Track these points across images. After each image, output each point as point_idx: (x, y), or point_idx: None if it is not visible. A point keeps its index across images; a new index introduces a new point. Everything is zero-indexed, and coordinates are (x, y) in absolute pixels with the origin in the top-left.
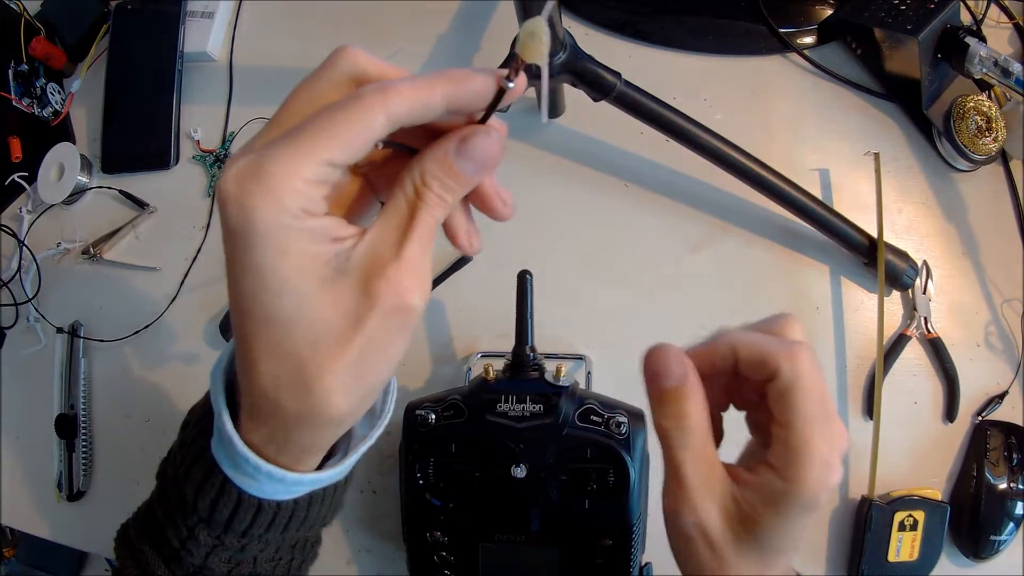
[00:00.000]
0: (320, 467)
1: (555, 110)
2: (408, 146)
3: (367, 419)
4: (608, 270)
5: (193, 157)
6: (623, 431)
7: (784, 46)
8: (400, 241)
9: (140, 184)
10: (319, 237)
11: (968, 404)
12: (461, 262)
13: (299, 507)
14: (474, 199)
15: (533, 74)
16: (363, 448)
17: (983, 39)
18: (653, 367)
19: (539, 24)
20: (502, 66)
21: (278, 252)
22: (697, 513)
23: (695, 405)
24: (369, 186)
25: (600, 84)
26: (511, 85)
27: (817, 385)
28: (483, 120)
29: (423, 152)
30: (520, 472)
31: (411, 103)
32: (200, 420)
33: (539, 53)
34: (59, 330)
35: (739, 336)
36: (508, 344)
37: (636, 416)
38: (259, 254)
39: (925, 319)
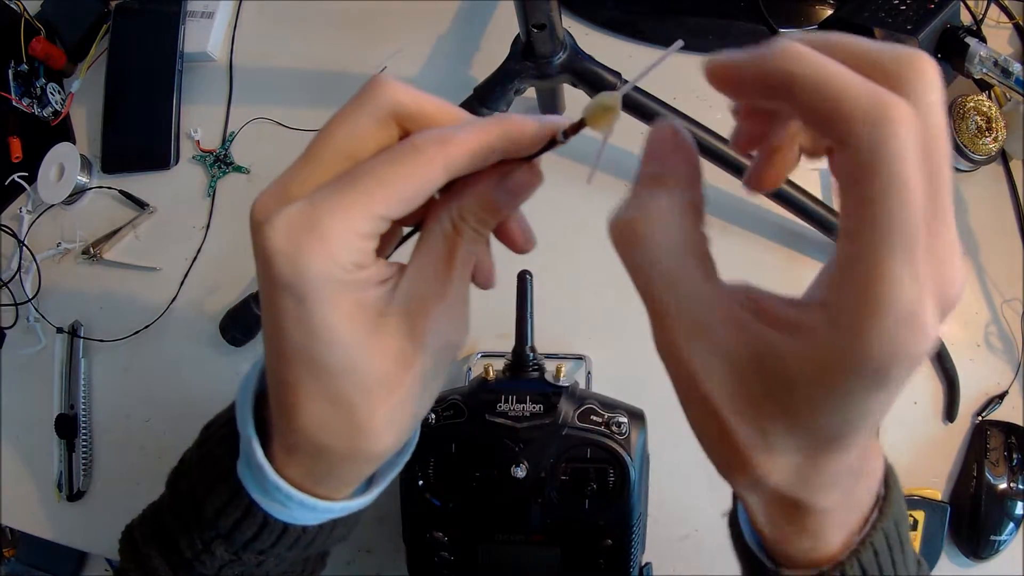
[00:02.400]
0: None
1: (555, 110)
2: None
3: None
4: (608, 270)
5: (193, 157)
6: (623, 431)
7: None
8: (443, 279)
9: (140, 184)
10: (368, 285)
11: (968, 404)
12: None
13: (323, 530)
14: (500, 233)
15: (531, 75)
16: (392, 474)
17: (983, 39)
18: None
19: (614, 100)
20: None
21: (330, 306)
22: (684, 364)
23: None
24: None
25: (600, 84)
26: (564, 141)
27: (916, 171)
28: (527, 160)
29: (461, 188)
30: (520, 472)
31: (471, 155)
32: (223, 440)
33: (607, 126)
34: (59, 330)
35: (807, 58)
36: (508, 344)
37: (636, 416)
38: (309, 308)
39: None
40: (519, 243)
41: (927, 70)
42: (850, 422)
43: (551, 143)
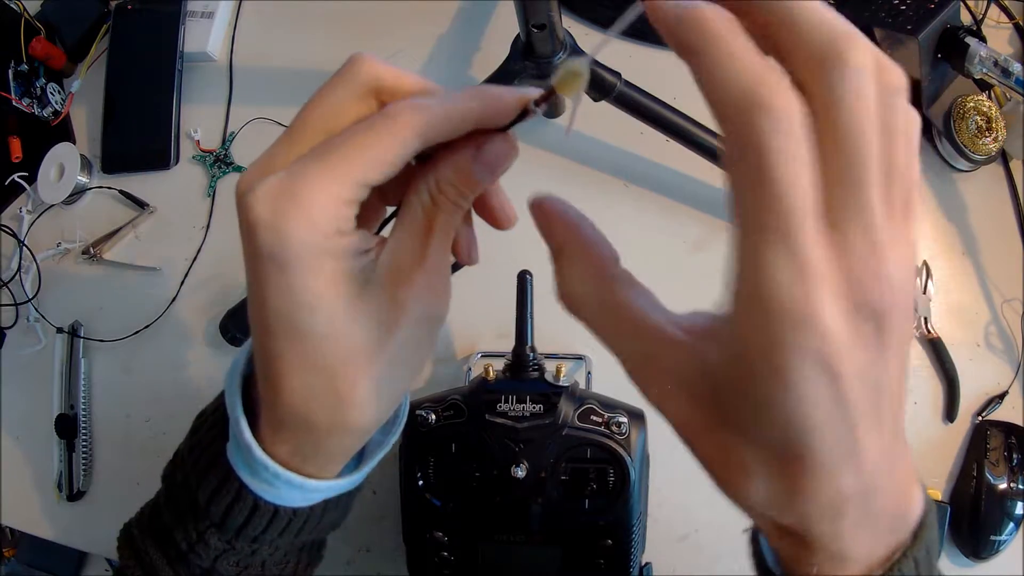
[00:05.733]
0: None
1: (555, 110)
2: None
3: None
4: None
5: (193, 157)
6: (623, 431)
7: None
8: (422, 249)
9: (140, 184)
10: (349, 253)
11: (968, 404)
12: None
13: (313, 513)
14: (480, 209)
15: (531, 75)
16: (380, 454)
17: (983, 39)
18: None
19: (583, 65)
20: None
21: (312, 273)
22: (652, 401)
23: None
24: (377, 191)
25: (600, 84)
26: (537, 111)
27: (788, 166)
28: (501, 131)
29: (439, 159)
30: (520, 472)
31: (444, 123)
32: (214, 425)
33: (576, 91)
34: (59, 330)
35: (707, 30)
36: (508, 344)
37: (636, 416)
38: (292, 275)
39: (925, 319)
40: (499, 219)
41: (848, 58)
42: (793, 432)
43: (524, 113)
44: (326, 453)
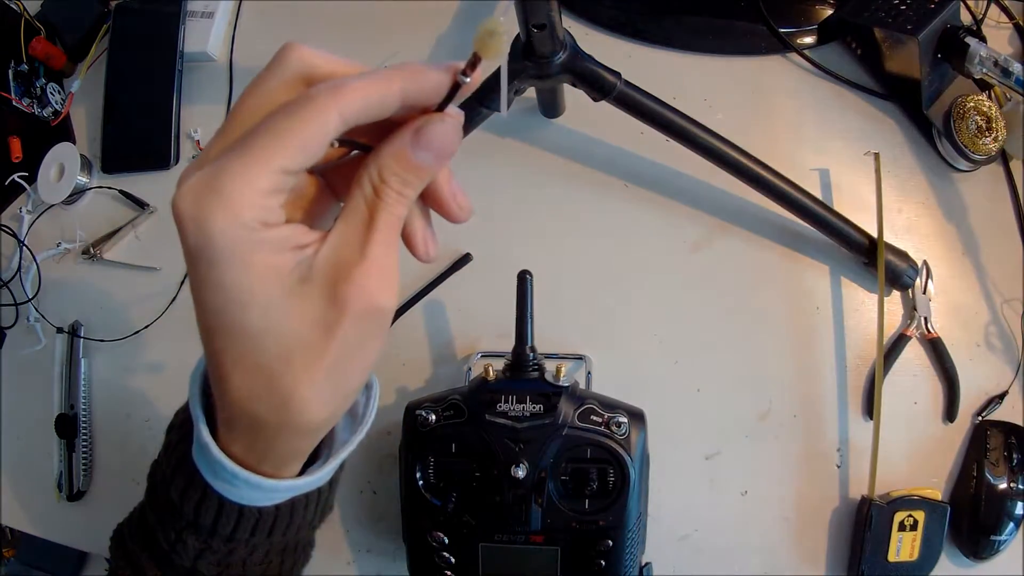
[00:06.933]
0: (302, 472)
1: (555, 110)
2: (363, 143)
3: (350, 422)
4: (608, 270)
5: (193, 157)
6: (623, 431)
7: (784, 46)
8: (363, 243)
9: (140, 184)
10: (280, 247)
11: (968, 404)
12: (461, 261)
13: (281, 513)
14: (431, 202)
15: (531, 75)
16: (344, 454)
17: (983, 39)
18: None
19: (497, 23)
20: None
21: (240, 267)
22: None
23: None
24: (327, 187)
25: (600, 84)
26: (467, 80)
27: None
28: (439, 110)
29: (379, 148)
30: (520, 472)
31: (365, 101)
32: (182, 424)
33: (497, 51)
34: (59, 330)
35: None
36: (508, 344)
37: (636, 416)
38: (220, 270)
39: (925, 319)
40: (451, 211)
41: None
42: None
43: (455, 87)
44: (279, 452)
